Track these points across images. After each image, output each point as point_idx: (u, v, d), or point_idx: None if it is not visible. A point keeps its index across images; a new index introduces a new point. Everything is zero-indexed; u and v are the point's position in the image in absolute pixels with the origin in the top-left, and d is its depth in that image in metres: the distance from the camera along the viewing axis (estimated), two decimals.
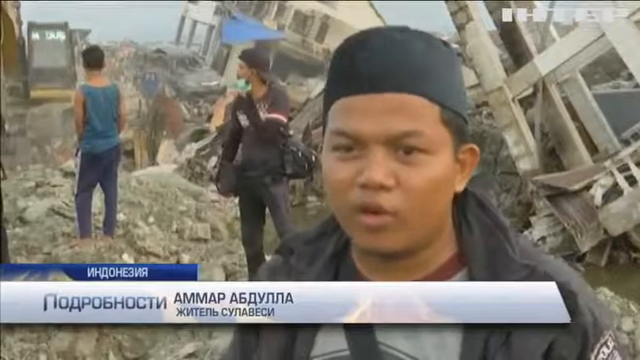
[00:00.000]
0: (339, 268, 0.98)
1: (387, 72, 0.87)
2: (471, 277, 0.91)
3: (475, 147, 0.93)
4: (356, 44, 0.90)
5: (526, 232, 8.64)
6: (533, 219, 8.95)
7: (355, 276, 0.95)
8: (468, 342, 0.88)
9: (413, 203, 0.87)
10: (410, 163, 0.87)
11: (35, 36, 18.72)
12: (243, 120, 5.28)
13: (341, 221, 0.92)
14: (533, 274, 0.89)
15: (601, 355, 0.88)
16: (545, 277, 0.88)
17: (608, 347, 0.88)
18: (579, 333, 0.86)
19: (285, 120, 5.27)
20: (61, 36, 19.16)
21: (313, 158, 5.36)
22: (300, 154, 5.27)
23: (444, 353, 0.89)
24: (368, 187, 0.86)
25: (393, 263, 0.92)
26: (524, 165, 9.57)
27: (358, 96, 0.88)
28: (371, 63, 0.88)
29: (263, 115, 5.18)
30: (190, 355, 4.85)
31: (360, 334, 0.92)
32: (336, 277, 0.97)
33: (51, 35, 19.04)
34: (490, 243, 0.92)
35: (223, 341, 4.69)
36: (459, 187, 0.92)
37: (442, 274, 0.92)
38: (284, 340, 0.96)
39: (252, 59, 5.30)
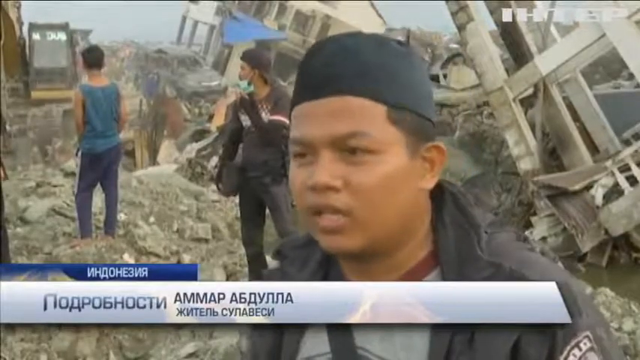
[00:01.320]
0: (328, 272, 0.99)
1: (330, 77, 0.89)
2: (443, 276, 0.91)
3: (441, 145, 0.93)
4: (310, 54, 0.93)
5: (527, 232, 8.64)
6: (534, 219, 8.95)
7: (342, 279, 0.97)
8: (435, 342, 0.88)
9: (364, 203, 0.88)
10: (357, 163, 0.88)
11: (36, 36, 18.61)
12: (245, 120, 5.27)
13: (305, 225, 0.93)
14: (498, 271, 0.88)
15: (571, 358, 0.85)
16: (512, 274, 0.87)
17: (580, 349, 0.85)
18: (548, 332, 0.85)
19: (287, 121, 5.25)
20: (62, 36, 19.05)
21: None
22: None
23: (412, 354, 0.89)
24: (316, 189, 0.88)
25: (368, 265, 0.93)
26: (524, 165, 9.57)
27: (307, 103, 0.90)
28: (318, 70, 0.90)
29: (265, 116, 5.18)
30: (191, 354, 4.85)
31: (341, 337, 0.93)
32: (324, 281, 0.98)
33: (52, 36, 18.95)
34: (460, 241, 0.92)
35: (224, 341, 4.70)
36: (427, 185, 0.92)
37: (417, 273, 0.93)
38: (271, 342, 0.97)
39: (255, 60, 5.27)
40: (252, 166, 5.25)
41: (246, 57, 5.34)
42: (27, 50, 17.99)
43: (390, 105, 0.89)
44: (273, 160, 5.21)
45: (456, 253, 0.91)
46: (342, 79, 0.89)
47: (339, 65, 0.89)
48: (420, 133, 0.91)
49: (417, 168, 0.91)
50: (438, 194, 0.95)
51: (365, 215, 0.88)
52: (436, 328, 0.88)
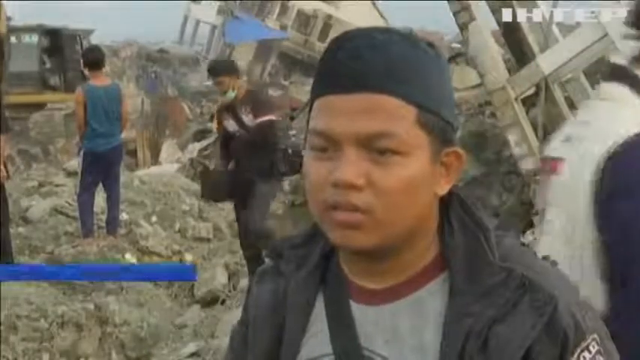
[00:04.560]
0: (326, 271, 0.98)
1: (362, 72, 0.87)
2: (451, 280, 0.90)
3: (460, 150, 0.93)
4: (337, 45, 0.90)
5: (528, 232, 8.63)
6: (535, 219, 8.94)
7: (341, 279, 0.96)
8: (447, 345, 0.87)
9: (385, 203, 0.86)
10: (382, 163, 0.86)
11: (13, 39, 17.75)
12: (232, 126, 5.45)
13: (317, 219, 0.92)
14: (510, 276, 0.88)
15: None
16: (524, 279, 0.87)
17: (589, 352, 0.87)
18: (559, 336, 0.85)
19: (274, 118, 5.48)
20: (34, 39, 18.28)
21: None
22: (290, 151, 5.41)
23: (422, 357, 0.88)
24: (339, 186, 0.86)
25: (376, 265, 0.92)
26: (526, 165, 9.53)
27: (334, 96, 0.88)
28: (347, 63, 0.88)
29: (246, 118, 5.37)
30: (192, 354, 4.86)
31: (344, 338, 0.92)
32: (322, 281, 0.98)
33: (26, 38, 18.21)
34: (470, 245, 0.91)
35: (226, 340, 4.70)
36: (442, 191, 0.92)
37: (424, 276, 0.92)
38: (270, 342, 0.97)
39: (227, 69, 5.50)
40: (241, 168, 5.39)
41: (219, 70, 5.58)
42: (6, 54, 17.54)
43: (421, 107, 0.88)
44: (261, 159, 5.34)
45: (465, 256, 0.91)
46: (373, 76, 0.86)
47: (369, 60, 0.87)
48: (443, 138, 0.90)
49: (436, 173, 0.90)
50: (445, 196, 0.94)
51: (383, 215, 0.87)
52: (449, 331, 0.87)
